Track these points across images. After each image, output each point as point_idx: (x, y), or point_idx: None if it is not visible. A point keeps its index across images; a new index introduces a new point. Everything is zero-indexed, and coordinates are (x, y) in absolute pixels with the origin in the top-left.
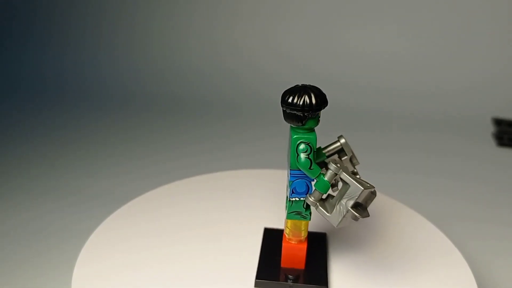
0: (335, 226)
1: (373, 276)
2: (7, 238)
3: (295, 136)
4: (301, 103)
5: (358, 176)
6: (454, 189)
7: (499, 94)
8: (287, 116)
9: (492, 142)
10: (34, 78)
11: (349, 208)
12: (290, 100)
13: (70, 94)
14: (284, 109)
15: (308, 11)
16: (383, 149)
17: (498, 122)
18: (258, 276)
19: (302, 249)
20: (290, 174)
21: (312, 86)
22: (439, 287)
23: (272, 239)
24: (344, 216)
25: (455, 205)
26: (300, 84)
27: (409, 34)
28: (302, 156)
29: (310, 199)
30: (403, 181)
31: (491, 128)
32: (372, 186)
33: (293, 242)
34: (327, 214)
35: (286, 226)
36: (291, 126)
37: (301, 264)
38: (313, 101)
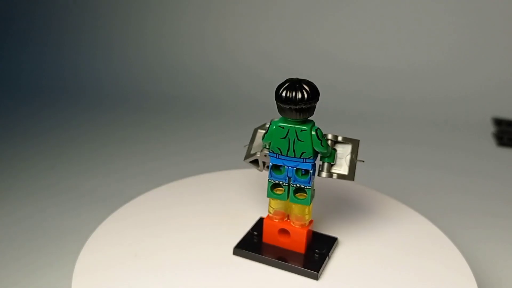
0: (353, 180)
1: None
2: (7, 239)
3: (308, 127)
4: (315, 94)
5: None
6: (454, 188)
7: (499, 94)
8: (303, 111)
9: (492, 142)
10: (33, 78)
11: (359, 159)
12: (305, 96)
13: (70, 94)
14: (301, 106)
15: (298, 13)
16: (383, 149)
17: (498, 122)
18: (316, 269)
19: (311, 228)
20: (306, 164)
21: (294, 78)
22: (438, 286)
23: (256, 243)
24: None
25: (455, 205)
26: (281, 82)
27: (409, 34)
28: (324, 140)
29: (324, 173)
30: (402, 181)
31: (491, 128)
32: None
33: (297, 227)
34: (346, 174)
35: (293, 214)
36: (285, 122)
37: (310, 239)
38: (316, 86)
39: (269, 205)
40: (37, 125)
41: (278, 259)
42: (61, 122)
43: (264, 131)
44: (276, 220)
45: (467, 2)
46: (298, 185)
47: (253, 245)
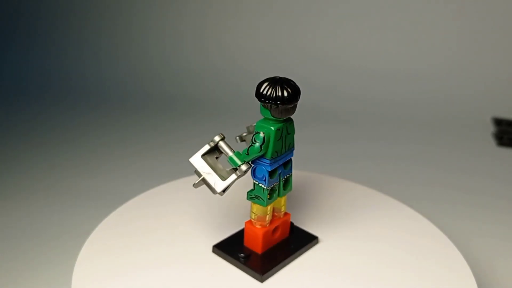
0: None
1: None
2: (7, 238)
3: (291, 121)
4: (298, 90)
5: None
6: (454, 188)
7: (499, 94)
8: (294, 109)
9: (492, 142)
10: (33, 78)
11: None
12: (298, 91)
13: (69, 95)
14: (294, 104)
15: (294, 10)
16: (383, 149)
17: (498, 122)
18: (312, 236)
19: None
20: (291, 153)
21: (274, 78)
22: (438, 286)
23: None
24: None
25: (455, 205)
26: (263, 81)
27: (408, 34)
28: None
29: None
30: (402, 181)
31: (491, 128)
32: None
33: (283, 217)
34: None
35: (274, 208)
36: (277, 123)
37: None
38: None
39: (251, 212)
40: (36, 125)
41: (286, 253)
42: (60, 122)
43: (213, 152)
44: (259, 227)
45: (467, 2)
46: (286, 176)
47: (263, 260)
